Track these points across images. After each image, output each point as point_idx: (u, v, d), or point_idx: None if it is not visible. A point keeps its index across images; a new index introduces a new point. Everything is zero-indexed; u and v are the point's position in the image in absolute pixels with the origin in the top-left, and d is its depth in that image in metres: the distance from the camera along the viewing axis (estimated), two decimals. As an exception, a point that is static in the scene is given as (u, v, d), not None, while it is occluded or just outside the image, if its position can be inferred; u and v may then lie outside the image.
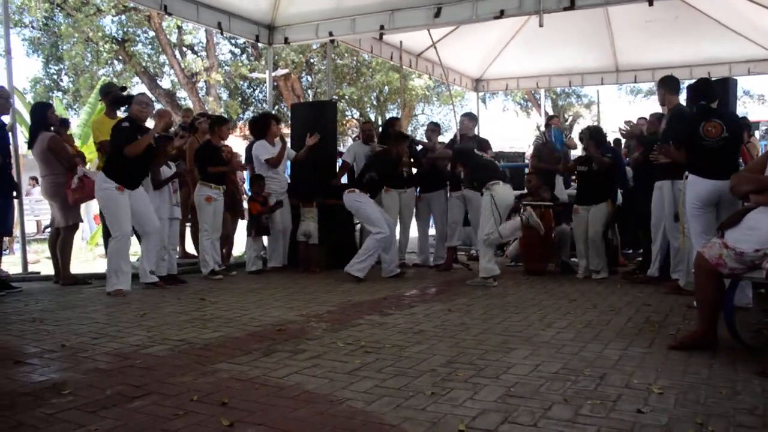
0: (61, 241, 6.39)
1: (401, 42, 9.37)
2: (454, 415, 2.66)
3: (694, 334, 3.79)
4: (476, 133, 8.39)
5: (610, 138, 8.86)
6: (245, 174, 8.59)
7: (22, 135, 8.37)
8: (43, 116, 6.40)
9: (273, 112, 9.26)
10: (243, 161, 8.30)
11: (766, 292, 5.35)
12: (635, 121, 8.32)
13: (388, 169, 7.05)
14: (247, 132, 18.27)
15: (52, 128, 6.41)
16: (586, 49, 10.63)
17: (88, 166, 6.72)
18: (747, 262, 3.53)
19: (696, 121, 5.00)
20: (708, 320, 3.72)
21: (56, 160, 6.29)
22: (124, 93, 6.62)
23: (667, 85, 6.03)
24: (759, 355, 3.50)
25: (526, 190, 7.79)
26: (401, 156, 7.12)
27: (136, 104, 5.95)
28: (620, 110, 23.14)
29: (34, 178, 16.32)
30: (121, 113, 6.78)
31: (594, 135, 7.00)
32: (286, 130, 9.85)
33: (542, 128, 9.45)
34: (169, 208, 6.51)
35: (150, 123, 6.48)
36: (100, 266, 7.52)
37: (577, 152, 10.36)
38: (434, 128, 8.28)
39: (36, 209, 15.69)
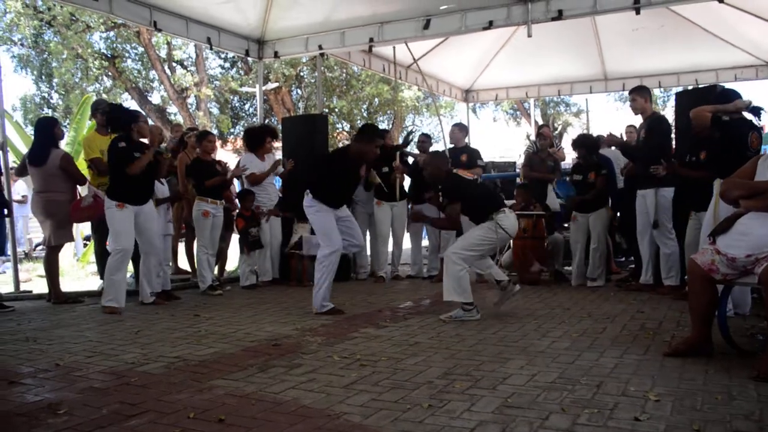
0: (44, 261, 6.36)
1: (395, 52, 9.36)
2: (452, 428, 2.66)
3: (688, 341, 3.81)
4: (467, 143, 8.43)
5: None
6: (237, 188, 8.57)
7: (11, 153, 8.34)
8: (50, 132, 6.34)
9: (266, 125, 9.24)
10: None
11: (759, 297, 5.38)
12: (624, 130, 8.40)
13: (343, 178, 5.65)
14: (239, 146, 18.23)
15: None
16: (575, 58, 10.69)
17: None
18: (739, 268, 3.56)
19: (746, 131, 4.86)
20: (702, 326, 3.73)
21: (67, 177, 6.24)
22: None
23: (647, 93, 6.16)
24: (753, 360, 3.51)
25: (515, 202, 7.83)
26: (368, 157, 5.63)
27: (142, 122, 5.93)
28: (609, 118, 23.32)
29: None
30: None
31: (583, 143, 7.10)
32: (277, 144, 9.84)
33: (533, 137, 9.48)
34: (163, 225, 6.50)
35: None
36: (92, 284, 7.48)
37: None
38: (425, 139, 8.33)
39: (29, 227, 15.57)
